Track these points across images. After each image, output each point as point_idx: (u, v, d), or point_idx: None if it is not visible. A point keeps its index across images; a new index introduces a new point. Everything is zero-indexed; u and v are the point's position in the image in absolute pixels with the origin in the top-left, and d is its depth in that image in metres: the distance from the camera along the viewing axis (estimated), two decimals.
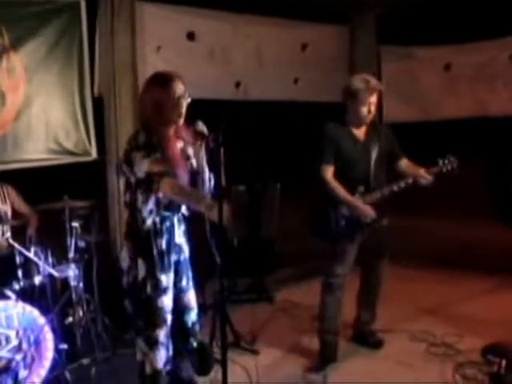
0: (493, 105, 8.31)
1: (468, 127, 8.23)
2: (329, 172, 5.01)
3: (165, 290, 3.97)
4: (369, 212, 4.98)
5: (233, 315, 5.43)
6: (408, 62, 8.90)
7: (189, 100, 3.93)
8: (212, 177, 3.98)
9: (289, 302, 6.81)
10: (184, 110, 3.91)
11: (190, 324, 4.22)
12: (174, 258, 4.06)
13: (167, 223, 3.99)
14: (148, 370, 4.04)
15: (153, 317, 3.98)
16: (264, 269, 7.19)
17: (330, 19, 8.74)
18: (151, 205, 3.90)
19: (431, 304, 6.57)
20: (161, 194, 3.84)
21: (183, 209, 4.10)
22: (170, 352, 4.08)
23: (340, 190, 4.97)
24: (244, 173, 6.53)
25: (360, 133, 5.13)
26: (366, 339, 5.58)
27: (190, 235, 4.22)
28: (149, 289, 3.94)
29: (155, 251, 3.92)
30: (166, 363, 4.06)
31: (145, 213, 3.91)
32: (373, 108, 5.02)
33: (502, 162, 8.13)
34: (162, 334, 3.99)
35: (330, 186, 4.99)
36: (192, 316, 4.24)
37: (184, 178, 3.95)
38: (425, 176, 5.03)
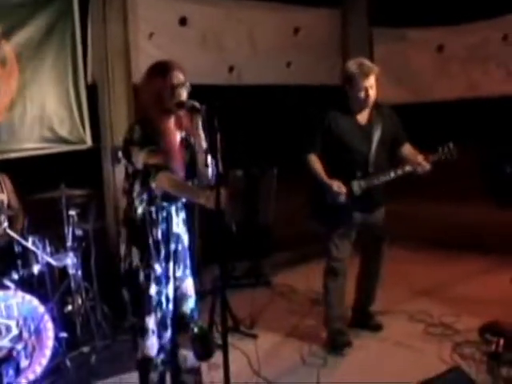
0: (485, 86, 8.31)
1: (461, 109, 8.24)
2: (312, 157, 5.01)
3: (159, 279, 3.98)
4: (337, 190, 4.89)
5: (231, 300, 5.45)
6: (400, 44, 8.89)
7: (189, 89, 3.92)
8: (213, 161, 3.89)
9: (287, 286, 6.83)
10: (184, 98, 3.89)
11: (188, 311, 4.22)
12: (172, 247, 4.07)
13: (164, 213, 4.00)
14: (139, 355, 4.07)
15: (143, 304, 4.00)
16: (261, 253, 7.20)
17: (321, 2, 8.71)
18: (145, 195, 3.93)
19: (428, 285, 6.60)
20: (154, 186, 3.87)
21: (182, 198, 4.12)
22: (164, 340, 4.07)
23: (315, 167, 4.97)
24: (241, 158, 6.53)
25: (362, 117, 5.06)
26: (366, 322, 5.57)
27: (189, 224, 4.23)
28: (142, 277, 3.96)
29: (150, 240, 3.95)
30: (158, 352, 4.06)
31: (137, 202, 3.94)
32: (371, 92, 4.92)
33: (495, 144, 8.15)
34: (151, 322, 3.99)
35: (309, 165, 4.99)
36: (190, 304, 4.23)
37: (179, 170, 3.95)
38: (423, 165, 4.92)
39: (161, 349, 4.07)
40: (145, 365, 4.08)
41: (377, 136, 5.02)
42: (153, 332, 4.01)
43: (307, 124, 5.15)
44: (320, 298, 5.48)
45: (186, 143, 4.07)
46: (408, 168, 4.97)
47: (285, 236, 7.42)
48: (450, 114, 8.25)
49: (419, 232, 7.85)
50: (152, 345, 4.03)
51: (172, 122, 3.98)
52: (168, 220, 4.03)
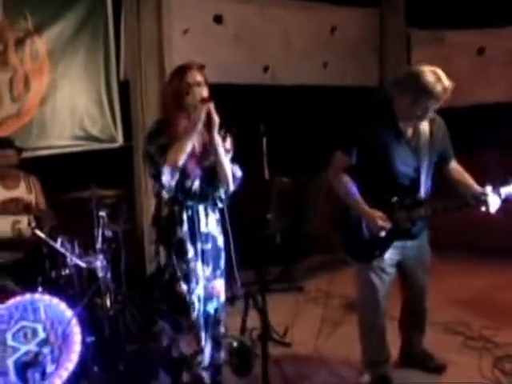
0: None
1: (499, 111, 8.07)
2: (344, 177, 4.20)
3: (186, 278, 4.03)
4: (383, 225, 4.12)
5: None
6: (439, 47, 8.70)
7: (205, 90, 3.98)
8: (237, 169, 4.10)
9: (320, 291, 6.62)
10: (200, 97, 3.92)
11: (212, 311, 4.24)
12: (200, 246, 4.09)
13: (189, 212, 4.05)
14: (174, 353, 4.10)
15: (175, 302, 4.06)
16: (295, 258, 7.07)
17: (358, 2, 8.62)
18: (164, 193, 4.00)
19: (466, 295, 6.41)
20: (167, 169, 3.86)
21: (213, 198, 4.13)
22: (202, 342, 4.10)
23: (351, 191, 4.17)
24: (289, 164, 6.39)
25: (406, 127, 4.17)
26: (424, 364, 4.81)
27: (223, 225, 4.20)
28: (168, 275, 4.04)
29: (174, 239, 4.02)
30: (196, 352, 4.08)
31: (164, 202, 4.05)
32: (431, 112, 4.09)
33: None
34: (186, 320, 4.04)
35: (340, 187, 4.22)
36: (215, 303, 4.25)
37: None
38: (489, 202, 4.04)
39: (200, 351, 4.10)
40: (181, 362, 4.10)
41: (426, 153, 4.18)
42: (188, 330, 4.05)
43: (338, 134, 4.30)
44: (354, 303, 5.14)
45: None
46: (472, 202, 4.13)
47: (318, 238, 7.25)
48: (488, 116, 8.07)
49: (456, 239, 7.62)
50: (187, 343, 4.06)
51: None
52: (194, 219, 4.06)
